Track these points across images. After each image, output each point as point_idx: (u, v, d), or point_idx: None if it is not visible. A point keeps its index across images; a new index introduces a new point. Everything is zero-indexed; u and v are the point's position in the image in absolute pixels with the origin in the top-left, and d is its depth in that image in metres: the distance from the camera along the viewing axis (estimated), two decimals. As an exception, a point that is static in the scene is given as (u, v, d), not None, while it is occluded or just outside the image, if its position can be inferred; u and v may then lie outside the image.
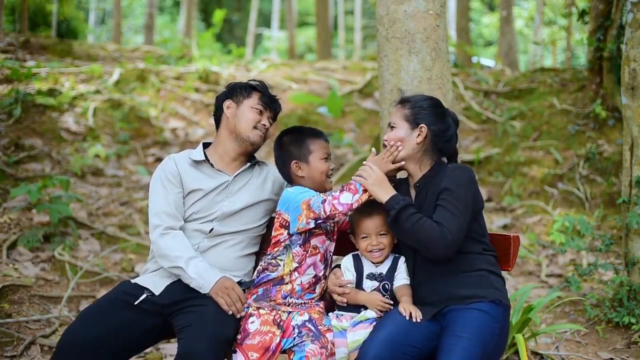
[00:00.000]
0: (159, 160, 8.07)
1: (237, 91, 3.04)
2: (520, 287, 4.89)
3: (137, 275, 3.02)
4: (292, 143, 2.88)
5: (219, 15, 14.35)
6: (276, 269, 2.77)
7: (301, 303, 2.77)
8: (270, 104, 3.03)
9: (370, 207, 2.76)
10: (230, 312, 2.68)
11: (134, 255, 5.61)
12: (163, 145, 8.52)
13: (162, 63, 12.14)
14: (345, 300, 2.74)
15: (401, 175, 2.95)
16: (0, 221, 5.43)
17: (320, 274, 2.81)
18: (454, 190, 2.62)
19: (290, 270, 2.76)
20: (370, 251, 2.74)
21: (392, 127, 2.79)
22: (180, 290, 2.80)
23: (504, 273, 2.83)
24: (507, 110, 8.55)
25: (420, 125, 2.75)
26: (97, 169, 7.40)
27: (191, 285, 2.76)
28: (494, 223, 6.58)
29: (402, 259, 2.78)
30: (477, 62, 13.54)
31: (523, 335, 3.60)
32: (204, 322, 2.63)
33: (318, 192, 2.77)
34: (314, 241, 2.77)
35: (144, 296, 2.79)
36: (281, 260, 2.77)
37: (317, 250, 2.78)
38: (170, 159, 2.98)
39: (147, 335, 2.80)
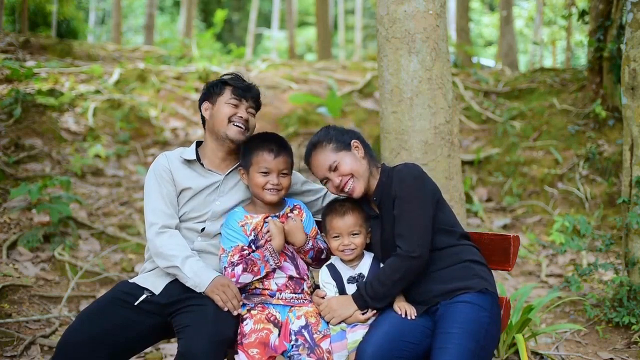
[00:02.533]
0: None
1: (211, 90, 3.01)
2: (520, 287, 4.89)
3: (137, 275, 3.02)
4: (244, 150, 2.90)
5: (219, 15, 14.35)
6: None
7: (292, 298, 2.78)
8: (245, 93, 2.95)
9: (342, 207, 2.77)
10: (227, 309, 2.68)
11: (134, 255, 5.60)
12: (163, 145, 8.51)
13: (162, 63, 12.14)
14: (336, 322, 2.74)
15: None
16: (0, 221, 5.43)
17: (294, 273, 2.80)
18: (403, 195, 2.66)
19: (259, 280, 2.79)
20: (342, 250, 2.75)
21: (336, 167, 2.76)
22: (179, 290, 2.79)
23: (504, 273, 2.84)
24: (507, 110, 8.55)
25: (351, 141, 2.80)
26: (97, 169, 7.40)
27: (187, 285, 2.76)
28: (494, 223, 6.58)
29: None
30: (477, 62, 13.54)
31: (523, 335, 3.60)
32: (204, 322, 2.62)
33: (235, 244, 2.78)
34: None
35: (143, 296, 2.79)
36: None
37: None
38: (162, 156, 2.98)
39: (146, 335, 2.80)
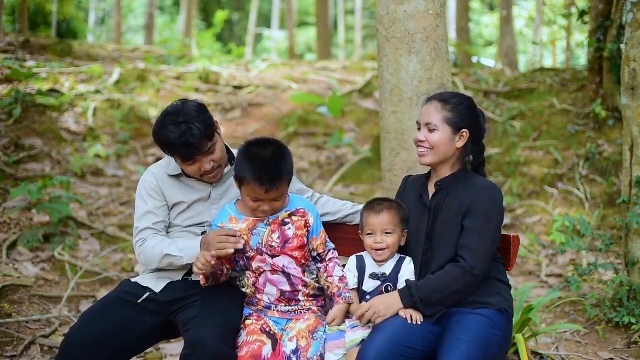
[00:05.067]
0: (158, 160, 8.05)
1: (165, 150, 2.80)
2: (520, 287, 4.88)
3: (137, 275, 3.02)
4: (238, 161, 2.66)
5: (220, 16, 14.35)
6: (244, 288, 2.78)
7: (288, 311, 2.73)
8: (191, 151, 2.71)
9: (380, 205, 2.75)
10: (232, 250, 2.57)
11: (134, 255, 5.59)
12: (163, 145, 8.51)
13: (162, 63, 12.14)
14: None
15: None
16: (0, 221, 5.43)
17: (286, 287, 2.70)
18: (484, 213, 2.64)
19: (252, 292, 2.75)
20: (375, 249, 2.72)
21: (431, 130, 2.72)
22: (181, 288, 2.80)
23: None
24: (507, 110, 8.55)
25: (463, 130, 2.73)
26: (97, 169, 7.40)
27: (183, 263, 2.74)
28: (494, 223, 6.57)
29: (407, 260, 2.76)
30: (477, 62, 13.54)
31: (523, 335, 3.60)
32: (211, 313, 2.62)
33: None
34: (254, 264, 2.70)
35: (146, 295, 2.79)
36: (242, 281, 2.78)
37: (262, 269, 2.70)
38: (149, 174, 2.92)
39: (148, 335, 2.79)
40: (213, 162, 2.79)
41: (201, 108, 2.79)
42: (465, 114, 2.73)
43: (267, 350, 2.61)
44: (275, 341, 2.65)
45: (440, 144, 2.71)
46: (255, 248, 2.68)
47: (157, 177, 2.90)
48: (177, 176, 2.91)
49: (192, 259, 2.69)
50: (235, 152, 2.92)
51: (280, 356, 2.62)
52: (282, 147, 2.67)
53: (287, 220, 2.71)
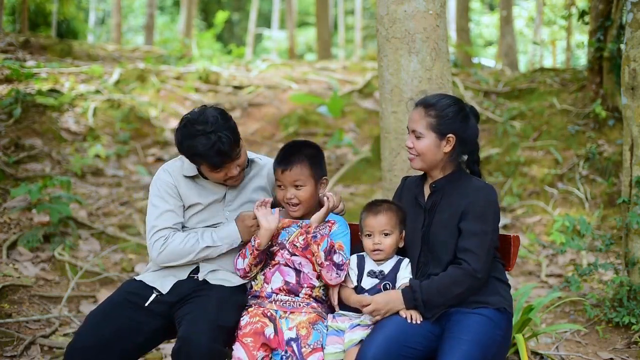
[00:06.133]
0: (159, 160, 8.07)
1: (193, 159, 2.82)
2: (520, 287, 4.88)
3: (137, 276, 3.02)
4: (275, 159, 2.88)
5: (221, 17, 14.33)
6: (255, 281, 2.87)
7: (286, 301, 2.77)
8: (223, 159, 2.73)
9: (379, 206, 2.78)
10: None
11: (134, 255, 5.60)
12: (163, 145, 8.51)
13: (162, 63, 12.13)
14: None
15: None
16: (0, 221, 5.43)
17: (292, 279, 2.78)
18: (480, 215, 2.65)
19: (260, 285, 2.83)
20: (373, 250, 2.75)
21: (417, 137, 2.73)
22: (187, 287, 2.81)
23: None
24: (507, 110, 8.54)
25: (448, 135, 2.72)
26: (97, 169, 7.40)
27: (222, 251, 2.81)
28: (494, 223, 6.56)
29: (405, 262, 2.77)
30: (477, 62, 13.54)
31: (523, 335, 3.60)
32: (205, 310, 2.64)
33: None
34: (275, 257, 2.84)
35: (153, 296, 2.79)
36: (255, 277, 2.87)
37: (277, 262, 2.81)
38: (165, 172, 2.92)
39: (154, 336, 2.80)
40: (238, 166, 2.82)
41: (224, 114, 2.80)
42: (450, 118, 2.72)
43: (269, 331, 2.68)
44: (276, 326, 2.71)
45: (426, 151, 2.72)
46: (279, 242, 2.82)
47: (172, 175, 2.90)
48: (192, 177, 2.91)
49: (230, 246, 2.80)
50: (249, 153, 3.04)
51: (281, 341, 2.67)
52: (313, 146, 2.88)
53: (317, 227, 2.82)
